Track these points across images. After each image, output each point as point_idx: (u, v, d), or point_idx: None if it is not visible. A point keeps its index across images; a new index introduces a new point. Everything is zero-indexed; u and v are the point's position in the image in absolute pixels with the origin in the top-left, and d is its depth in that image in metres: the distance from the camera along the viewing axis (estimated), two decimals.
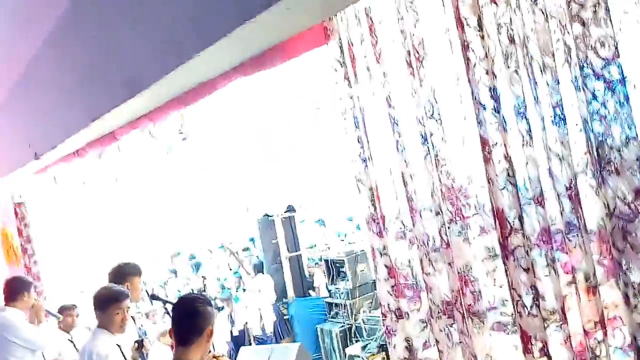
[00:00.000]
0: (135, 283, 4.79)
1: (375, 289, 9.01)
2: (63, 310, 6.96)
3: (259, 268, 9.91)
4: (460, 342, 2.60)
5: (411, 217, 2.76)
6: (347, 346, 8.62)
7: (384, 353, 8.11)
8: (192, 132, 4.67)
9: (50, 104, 5.19)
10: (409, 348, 2.83)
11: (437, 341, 2.70)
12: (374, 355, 8.13)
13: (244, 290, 10.62)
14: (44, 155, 5.36)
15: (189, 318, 2.88)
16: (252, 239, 11.28)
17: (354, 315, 8.78)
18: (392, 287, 2.90)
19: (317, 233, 14.14)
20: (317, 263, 10.89)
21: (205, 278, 10.84)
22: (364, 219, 2.97)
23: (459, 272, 2.52)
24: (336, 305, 9.11)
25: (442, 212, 2.60)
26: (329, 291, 9.37)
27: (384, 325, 2.93)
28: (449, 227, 2.58)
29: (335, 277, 9.29)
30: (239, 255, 10.88)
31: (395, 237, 2.87)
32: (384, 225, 2.88)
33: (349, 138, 2.99)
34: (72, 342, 6.94)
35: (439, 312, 2.65)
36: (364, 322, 8.58)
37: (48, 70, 5.02)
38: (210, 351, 3.07)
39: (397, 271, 2.86)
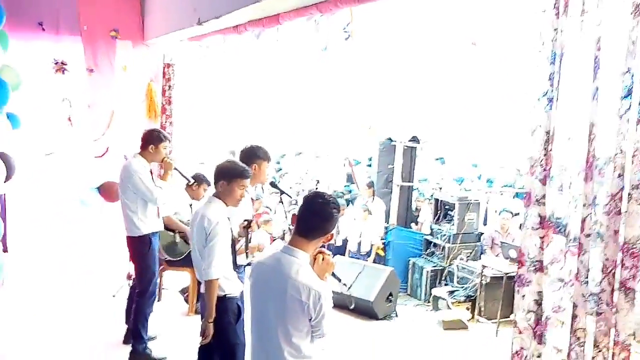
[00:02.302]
0: (263, 167, 4.92)
1: (479, 240, 8.94)
2: (200, 179, 7.30)
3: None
4: (601, 313, 2.47)
5: (585, 172, 2.57)
6: (435, 287, 8.61)
7: (469, 303, 8.05)
8: (356, 33, 4.56)
9: None
10: (538, 303, 2.73)
11: (574, 305, 2.57)
12: (460, 302, 8.08)
13: (352, 203, 10.74)
14: (206, 22, 5.43)
15: (319, 217, 2.95)
16: (370, 159, 11.26)
17: (449, 260, 8.71)
18: (540, 238, 2.77)
19: (434, 169, 13.97)
20: (427, 199, 10.79)
21: (319, 182, 11.00)
22: (528, 161, 2.80)
23: (625, 242, 2.35)
24: (435, 245, 9.07)
25: (623, 175, 2.40)
26: (432, 230, 9.30)
27: (517, 273, 2.82)
28: (629, 195, 2.38)
29: (441, 217, 9.19)
30: (354, 170, 10.90)
31: (559, 188, 2.70)
32: (549, 173, 2.72)
33: (538, 73, 2.78)
34: (191, 207, 7.32)
35: (585, 277, 2.50)
36: (458, 268, 8.50)
37: None
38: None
39: (550, 224, 2.72)
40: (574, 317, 2.58)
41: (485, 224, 10.45)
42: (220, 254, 4.09)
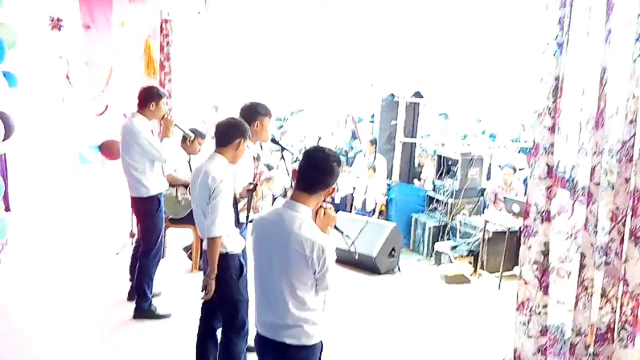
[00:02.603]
0: (265, 123, 4.81)
1: (482, 196, 8.92)
2: (195, 134, 7.21)
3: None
4: (609, 263, 2.44)
5: (596, 119, 2.50)
6: (437, 241, 8.64)
7: (472, 258, 8.09)
8: None
9: None
10: (545, 253, 2.70)
11: (582, 255, 2.53)
12: (462, 257, 8.12)
13: (354, 160, 10.71)
14: None
15: (319, 171, 2.93)
16: (373, 115, 11.16)
17: (451, 215, 8.71)
18: (547, 188, 2.71)
19: (438, 125, 13.86)
20: (430, 155, 10.74)
21: (321, 138, 10.93)
22: (536, 110, 2.73)
23: (636, 190, 2.30)
24: (437, 201, 9.06)
25: (636, 121, 2.33)
26: (434, 186, 9.27)
27: (524, 224, 2.79)
28: None
29: (444, 173, 9.15)
30: (357, 126, 10.82)
31: (567, 137, 2.64)
32: (558, 121, 2.65)
33: (547, 16, 2.68)
34: (189, 163, 7.28)
35: (595, 226, 2.47)
36: (460, 224, 8.52)
37: None
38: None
39: (558, 174, 2.67)
40: (582, 267, 2.55)
41: (488, 179, 10.42)
42: (224, 212, 4.05)
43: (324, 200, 3.06)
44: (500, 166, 9.50)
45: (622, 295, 2.42)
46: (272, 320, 2.99)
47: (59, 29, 7.10)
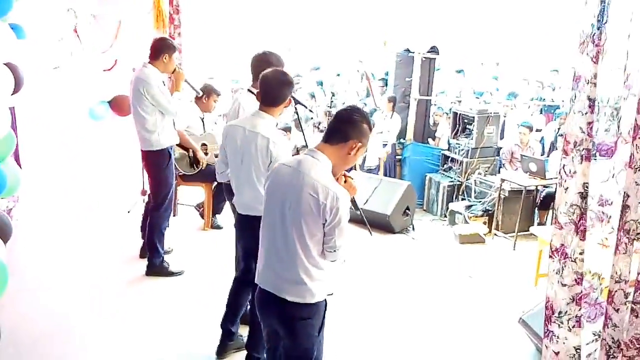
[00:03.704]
0: None
1: (498, 156, 8.75)
2: (210, 90, 7.07)
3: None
4: None
5: None
6: (452, 202, 8.51)
7: (487, 218, 7.97)
8: None
9: None
10: (583, 195, 2.54)
11: (626, 196, 2.38)
12: (477, 217, 8.00)
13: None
14: None
15: (341, 121, 2.87)
16: (387, 73, 10.93)
17: (466, 174, 8.57)
18: (588, 123, 2.55)
19: (454, 82, 13.61)
20: (446, 113, 10.52)
21: (334, 95, 10.72)
22: (580, 37, 2.54)
23: None
24: (452, 160, 8.90)
25: None
26: (449, 144, 9.10)
27: (561, 164, 2.63)
28: None
29: (459, 132, 8.97)
30: (371, 84, 10.61)
31: (612, 67, 2.46)
32: (602, 49, 2.46)
33: None
34: (202, 121, 7.15)
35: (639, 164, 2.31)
36: (475, 183, 8.37)
37: None
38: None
39: (601, 107, 2.50)
40: (625, 208, 2.40)
41: (502, 138, 10.24)
42: None
43: (348, 171, 3.00)
44: (517, 125, 9.29)
45: None
46: (278, 272, 2.90)
47: None
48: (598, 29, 2.48)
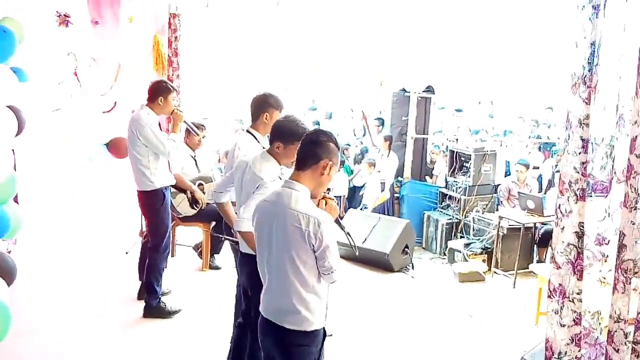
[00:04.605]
0: (275, 116, 4.62)
1: (495, 193, 8.78)
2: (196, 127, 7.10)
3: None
4: None
5: (637, 83, 2.35)
6: (450, 239, 8.50)
7: (486, 255, 7.95)
8: None
9: None
10: (579, 235, 2.56)
11: (622, 235, 2.38)
12: (476, 255, 7.98)
13: (361, 157, 10.61)
14: None
15: (310, 144, 2.98)
16: (380, 112, 11.06)
17: (465, 212, 8.57)
18: (582, 163, 2.58)
19: (450, 121, 13.72)
20: (442, 151, 10.59)
21: (338, 135, 10.83)
22: (571, 79, 2.59)
23: None
24: (450, 197, 8.92)
25: None
26: (447, 182, 9.13)
27: (556, 204, 2.65)
28: None
29: (456, 169, 9.01)
30: (368, 123, 10.72)
31: (604, 107, 2.50)
32: (594, 90, 2.51)
33: None
34: (194, 159, 7.18)
35: (636, 203, 2.32)
36: (474, 220, 8.38)
37: None
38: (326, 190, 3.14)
39: (594, 147, 2.53)
40: (621, 247, 2.41)
41: (508, 174, 10.29)
42: None
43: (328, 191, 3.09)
44: (508, 162, 9.36)
45: None
46: (276, 302, 3.00)
47: (67, 25, 7.02)
48: (589, 70, 2.53)
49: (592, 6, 2.52)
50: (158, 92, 5.51)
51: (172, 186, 6.10)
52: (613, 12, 2.46)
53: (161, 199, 5.62)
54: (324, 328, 3.05)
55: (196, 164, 7.21)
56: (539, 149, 11.94)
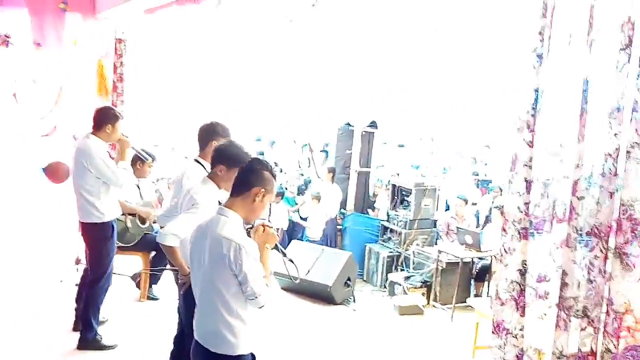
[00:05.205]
0: None
1: (435, 227, 8.96)
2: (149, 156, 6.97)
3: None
4: (592, 281, 2.39)
5: (580, 130, 2.47)
6: (391, 272, 8.59)
7: (425, 289, 8.06)
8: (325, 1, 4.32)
9: None
10: (522, 272, 2.64)
11: (564, 273, 2.47)
12: (415, 288, 8.07)
13: (305, 188, 10.66)
14: None
15: (243, 171, 3.07)
16: (327, 144, 11.18)
17: (405, 245, 8.69)
18: (525, 204, 2.67)
19: (392, 155, 13.98)
20: (385, 185, 10.76)
21: (277, 164, 10.85)
22: (515, 123, 2.70)
23: (622, 204, 2.27)
24: (391, 230, 9.04)
25: (620, 133, 2.31)
26: (388, 216, 9.26)
27: (501, 242, 2.73)
28: (628, 153, 2.29)
29: (398, 203, 9.16)
30: (313, 155, 10.81)
31: (547, 151, 2.61)
32: (536, 134, 2.62)
33: (528, 27, 2.67)
34: (138, 188, 7.03)
35: (578, 241, 2.42)
36: (414, 254, 8.50)
37: None
38: (263, 219, 3.21)
39: (535, 188, 2.62)
40: (563, 285, 2.50)
41: (447, 209, 10.51)
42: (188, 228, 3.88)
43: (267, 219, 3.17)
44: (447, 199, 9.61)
45: (605, 315, 2.37)
46: (203, 326, 3.05)
47: (7, 45, 6.84)
48: (532, 115, 2.66)
49: (536, 55, 2.66)
50: (105, 119, 5.32)
51: None
52: (555, 60, 2.60)
53: (110, 232, 5.43)
54: (251, 353, 3.08)
55: (140, 193, 7.06)
56: (477, 185, 12.29)
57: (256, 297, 2.90)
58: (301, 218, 10.28)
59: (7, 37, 6.95)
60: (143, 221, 6.71)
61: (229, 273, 2.87)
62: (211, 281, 2.93)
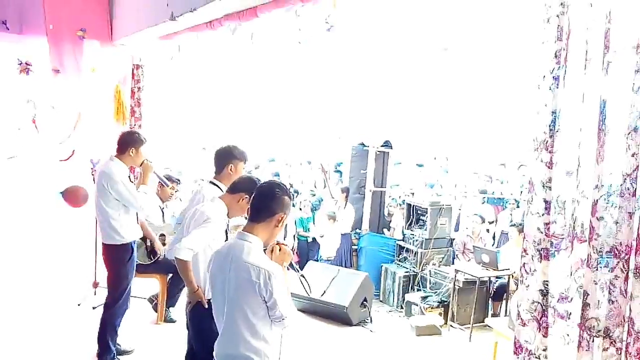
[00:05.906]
0: (239, 167, 4.68)
1: (451, 246, 8.93)
2: (169, 180, 7.06)
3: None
4: (614, 301, 2.38)
5: (598, 150, 2.49)
6: (408, 292, 8.55)
7: (442, 309, 8.01)
8: (340, 24, 4.39)
9: None
10: (544, 293, 2.64)
11: (585, 294, 2.47)
12: (433, 308, 8.03)
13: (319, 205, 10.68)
14: (180, 17, 5.24)
15: (264, 198, 3.06)
16: (339, 164, 11.21)
17: (421, 265, 8.65)
18: (545, 224, 2.68)
19: (407, 175, 13.99)
20: (399, 204, 10.75)
21: (292, 185, 10.88)
22: (533, 144, 2.72)
23: None
24: (407, 250, 9.01)
25: (638, 153, 2.32)
26: (404, 235, 9.24)
27: (521, 262, 2.74)
28: None
29: (413, 223, 9.14)
30: (329, 175, 10.84)
31: (566, 172, 2.63)
32: (555, 155, 2.64)
33: (544, 50, 2.71)
34: (162, 210, 7.09)
35: (598, 263, 2.42)
36: (430, 274, 8.46)
37: None
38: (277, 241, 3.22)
39: (556, 209, 2.64)
40: (585, 306, 2.50)
41: (457, 229, 10.47)
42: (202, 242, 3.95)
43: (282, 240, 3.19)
44: (468, 216, 9.55)
45: (627, 335, 2.36)
46: (227, 351, 3.02)
47: (27, 72, 6.99)
48: (550, 136, 2.68)
49: (553, 77, 2.69)
50: (129, 143, 5.42)
51: None
52: (572, 82, 2.63)
53: (129, 253, 5.50)
54: None
55: (163, 215, 7.13)
56: (484, 202, 12.24)
57: (283, 319, 2.93)
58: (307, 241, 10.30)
59: (28, 64, 7.10)
60: (153, 254, 6.76)
61: (257, 299, 2.89)
62: (238, 306, 2.93)
